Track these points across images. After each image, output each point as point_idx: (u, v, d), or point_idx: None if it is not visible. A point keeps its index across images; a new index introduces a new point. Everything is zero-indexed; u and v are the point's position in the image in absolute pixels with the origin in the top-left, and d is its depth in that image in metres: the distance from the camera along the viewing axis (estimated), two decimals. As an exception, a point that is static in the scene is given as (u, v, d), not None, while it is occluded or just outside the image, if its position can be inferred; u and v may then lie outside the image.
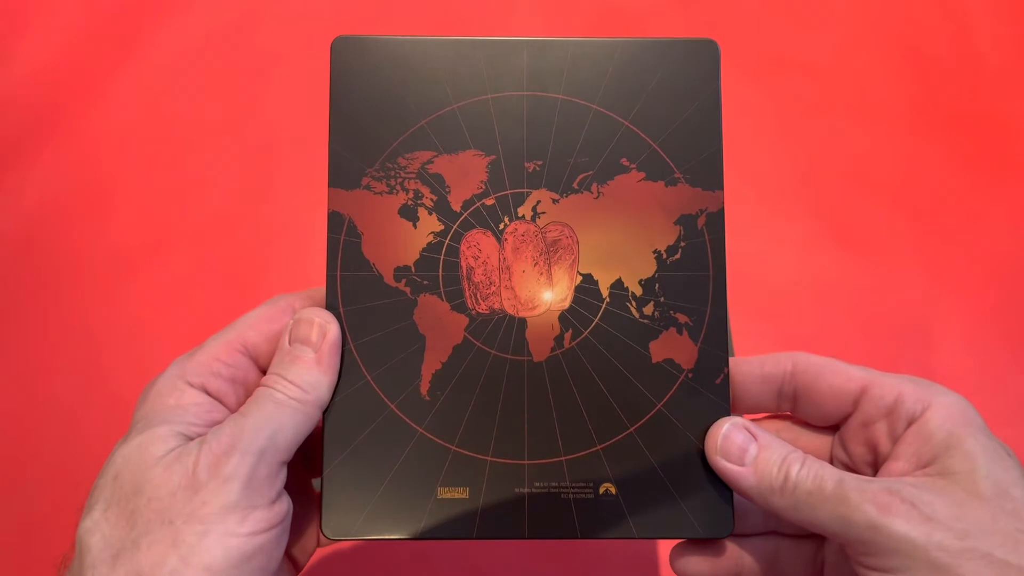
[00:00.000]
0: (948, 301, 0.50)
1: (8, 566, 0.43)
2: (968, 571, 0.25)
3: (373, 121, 0.32)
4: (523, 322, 0.31)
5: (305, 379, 0.29)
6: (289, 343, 0.30)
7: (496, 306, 0.32)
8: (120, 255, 0.51)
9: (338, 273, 0.31)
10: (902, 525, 0.26)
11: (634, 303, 0.31)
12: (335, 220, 0.32)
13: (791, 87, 0.57)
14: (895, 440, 0.29)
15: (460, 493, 0.31)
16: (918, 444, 0.28)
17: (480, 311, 0.31)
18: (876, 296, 0.50)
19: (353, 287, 0.31)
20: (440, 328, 0.31)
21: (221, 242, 0.51)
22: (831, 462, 0.32)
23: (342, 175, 0.32)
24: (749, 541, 0.32)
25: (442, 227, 0.32)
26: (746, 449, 0.29)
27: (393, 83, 0.32)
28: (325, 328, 0.30)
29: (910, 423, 0.29)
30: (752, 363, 0.32)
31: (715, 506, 0.30)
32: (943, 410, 0.28)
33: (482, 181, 0.32)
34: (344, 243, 0.31)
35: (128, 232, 0.52)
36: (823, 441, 0.33)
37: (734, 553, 0.32)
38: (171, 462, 0.27)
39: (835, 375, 0.31)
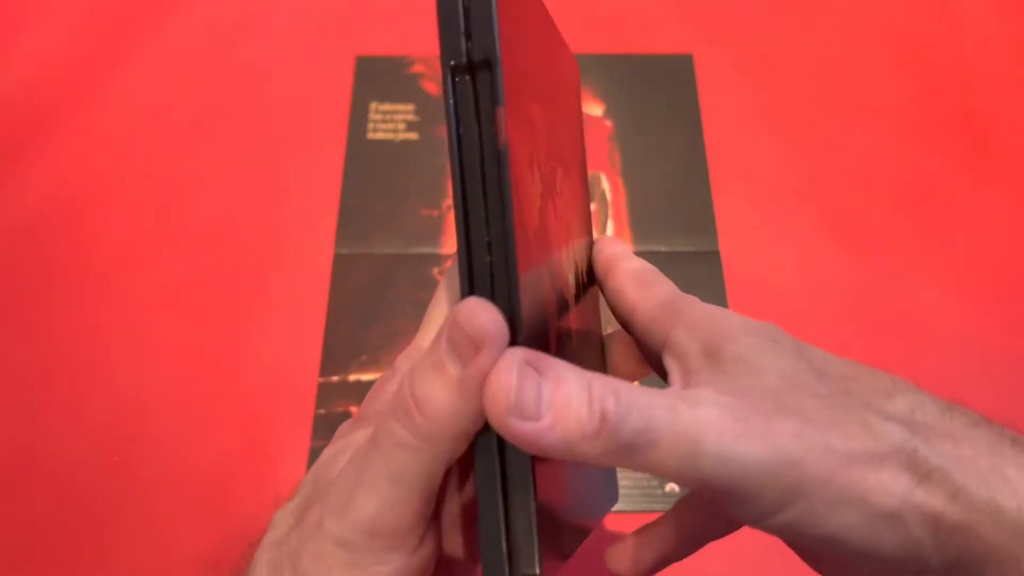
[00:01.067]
0: (947, 300, 0.50)
1: (8, 566, 0.43)
2: (814, 469, 0.19)
3: None
4: None
5: (438, 405, 0.19)
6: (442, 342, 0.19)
7: None
8: (120, 255, 0.51)
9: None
10: (750, 449, 0.19)
11: None
12: None
13: (791, 87, 0.57)
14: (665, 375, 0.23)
15: None
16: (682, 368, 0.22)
17: None
18: (876, 296, 0.50)
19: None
20: None
21: (221, 242, 0.51)
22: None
23: None
24: (675, 515, 0.28)
25: None
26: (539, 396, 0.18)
27: None
28: (482, 333, 0.18)
29: (662, 349, 0.23)
30: (603, 242, 0.27)
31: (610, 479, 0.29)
32: (686, 326, 0.22)
33: None
34: None
35: (128, 232, 0.52)
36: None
37: (656, 536, 0.28)
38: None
39: (627, 286, 0.25)
